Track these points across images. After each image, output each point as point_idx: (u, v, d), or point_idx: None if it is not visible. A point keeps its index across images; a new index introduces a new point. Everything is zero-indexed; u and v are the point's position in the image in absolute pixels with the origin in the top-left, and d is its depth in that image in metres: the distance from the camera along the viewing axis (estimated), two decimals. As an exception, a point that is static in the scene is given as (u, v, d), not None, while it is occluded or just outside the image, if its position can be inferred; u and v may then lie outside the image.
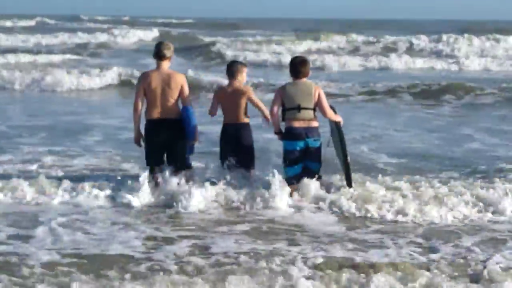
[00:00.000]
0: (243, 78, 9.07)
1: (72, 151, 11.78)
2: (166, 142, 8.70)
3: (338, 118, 8.86)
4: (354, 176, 9.03)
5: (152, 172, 8.79)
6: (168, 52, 8.75)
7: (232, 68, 9.03)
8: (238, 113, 8.89)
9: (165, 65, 8.76)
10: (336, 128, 8.85)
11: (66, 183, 9.03)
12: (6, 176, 9.48)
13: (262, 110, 9.01)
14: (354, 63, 30.71)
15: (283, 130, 8.82)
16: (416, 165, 11.01)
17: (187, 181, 8.71)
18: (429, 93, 20.36)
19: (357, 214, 8.39)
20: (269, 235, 7.57)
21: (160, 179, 8.70)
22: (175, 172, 8.71)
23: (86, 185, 8.97)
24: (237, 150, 8.88)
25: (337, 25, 79.57)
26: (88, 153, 11.59)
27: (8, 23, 68.86)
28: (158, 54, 8.76)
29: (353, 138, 12.89)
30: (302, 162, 8.69)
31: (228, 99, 8.92)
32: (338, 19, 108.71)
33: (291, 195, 8.62)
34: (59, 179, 9.31)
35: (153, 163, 8.85)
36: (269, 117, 8.90)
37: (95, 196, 8.73)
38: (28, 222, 7.81)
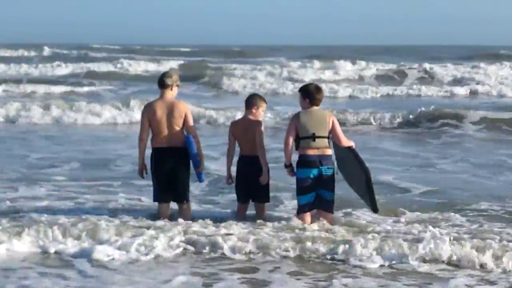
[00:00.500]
0: (260, 113, 9.02)
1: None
2: (172, 170, 8.76)
3: (351, 143, 8.79)
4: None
5: (160, 201, 8.93)
6: (169, 81, 8.82)
7: (252, 101, 8.99)
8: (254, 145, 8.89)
9: (168, 94, 8.83)
10: (351, 153, 8.67)
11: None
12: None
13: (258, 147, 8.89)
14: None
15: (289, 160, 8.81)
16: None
17: (185, 218, 8.82)
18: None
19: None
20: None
21: (166, 211, 8.92)
22: (179, 204, 8.95)
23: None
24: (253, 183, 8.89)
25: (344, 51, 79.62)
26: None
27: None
28: (161, 83, 8.86)
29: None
30: (315, 191, 8.62)
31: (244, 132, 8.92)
32: (340, 46, 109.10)
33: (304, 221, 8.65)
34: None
35: (161, 198, 8.92)
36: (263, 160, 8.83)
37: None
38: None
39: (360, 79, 38.50)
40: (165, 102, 8.80)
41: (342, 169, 8.91)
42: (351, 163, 8.69)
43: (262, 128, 8.92)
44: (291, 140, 8.67)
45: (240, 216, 9.03)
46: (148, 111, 8.81)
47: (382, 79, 38.06)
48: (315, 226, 8.58)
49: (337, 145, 8.85)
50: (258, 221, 8.76)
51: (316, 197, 8.65)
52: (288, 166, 8.80)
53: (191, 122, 8.81)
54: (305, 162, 8.59)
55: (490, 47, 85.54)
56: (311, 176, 8.55)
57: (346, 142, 8.74)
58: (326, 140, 8.61)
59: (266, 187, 8.93)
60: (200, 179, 8.99)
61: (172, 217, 8.91)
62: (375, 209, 8.56)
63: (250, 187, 8.90)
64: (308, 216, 8.74)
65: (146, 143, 8.88)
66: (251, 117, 8.94)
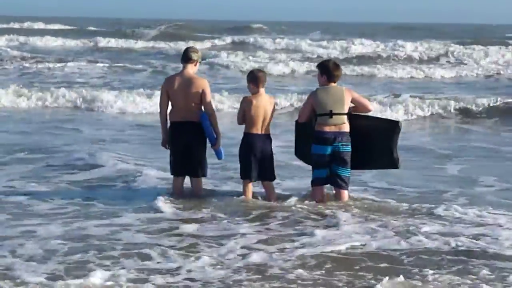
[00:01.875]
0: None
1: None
2: (186, 145, 8.76)
3: (371, 106, 9.05)
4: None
5: (175, 174, 8.97)
6: (194, 56, 8.85)
7: (263, 77, 8.85)
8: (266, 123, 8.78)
9: (189, 68, 8.83)
10: (374, 120, 9.07)
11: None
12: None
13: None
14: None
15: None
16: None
17: (197, 193, 8.94)
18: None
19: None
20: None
21: (180, 184, 8.97)
22: (193, 178, 8.92)
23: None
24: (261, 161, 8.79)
25: (350, 29, 79.00)
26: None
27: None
28: (185, 57, 8.88)
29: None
30: (329, 167, 8.63)
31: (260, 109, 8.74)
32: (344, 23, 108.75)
33: (320, 200, 8.74)
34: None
35: (177, 172, 8.94)
36: None
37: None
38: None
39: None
40: (184, 76, 8.79)
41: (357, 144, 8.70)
42: (372, 128, 8.76)
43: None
44: (304, 117, 8.76)
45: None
46: (167, 84, 8.85)
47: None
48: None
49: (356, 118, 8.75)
50: None
51: (331, 173, 8.65)
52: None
53: (208, 98, 8.74)
54: (321, 139, 8.56)
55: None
56: (326, 153, 8.56)
57: (371, 107, 8.97)
58: (343, 117, 8.56)
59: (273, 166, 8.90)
60: (218, 156, 8.92)
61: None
62: (397, 163, 8.73)
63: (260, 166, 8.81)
64: (320, 190, 8.80)
65: (165, 114, 8.90)
66: (267, 95, 8.87)
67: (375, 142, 8.73)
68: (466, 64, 33.99)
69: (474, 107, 18.52)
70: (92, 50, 39.96)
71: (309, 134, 8.72)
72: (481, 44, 42.43)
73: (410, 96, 19.77)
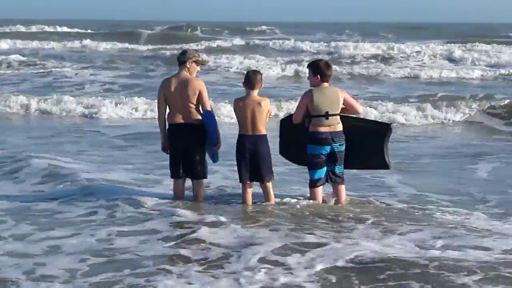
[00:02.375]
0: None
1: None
2: (185, 147, 8.76)
3: (361, 108, 9.13)
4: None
5: (175, 177, 8.99)
6: (182, 57, 8.82)
7: (255, 79, 8.72)
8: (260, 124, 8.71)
9: (183, 70, 8.82)
10: (364, 120, 9.29)
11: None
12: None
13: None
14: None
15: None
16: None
17: (197, 196, 8.97)
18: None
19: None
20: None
21: (181, 187, 8.99)
22: (194, 180, 8.92)
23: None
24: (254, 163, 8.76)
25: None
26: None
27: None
28: (178, 59, 8.92)
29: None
30: (326, 166, 8.75)
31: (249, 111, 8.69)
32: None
33: (316, 198, 8.87)
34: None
35: (174, 175, 8.97)
36: None
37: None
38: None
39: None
40: (180, 78, 8.80)
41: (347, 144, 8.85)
42: (363, 129, 8.86)
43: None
44: (300, 117, 8.72)
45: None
46: (163, 87, 8.87)
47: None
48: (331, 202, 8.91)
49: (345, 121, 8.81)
50: None
51: (329, 174, 8.80)
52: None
53: (206, 99, 8.75)
54: (317, 139, 8.63)
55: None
56: (324, 152, 8.66)
57: (361, 110, 9.06)
58: (338, 117, 8.65)
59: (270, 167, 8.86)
60: (214, 159, 8.97)
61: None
62: (388, 164, 8.92)
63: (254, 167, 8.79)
64: (319, 190, 8.89)
65: (164, 117, 8.92)
66: (256, 96, 8.76)
67: (366, 143, 8.82)
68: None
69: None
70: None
71: (296, 132, 8.80)
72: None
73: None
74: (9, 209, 8.95)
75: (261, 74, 8.89)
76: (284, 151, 9.41)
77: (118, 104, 19.64)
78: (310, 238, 7.56)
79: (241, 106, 8.71)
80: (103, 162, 12.26)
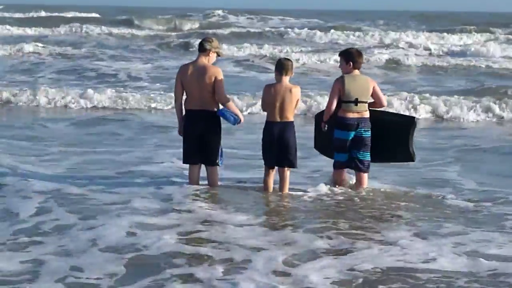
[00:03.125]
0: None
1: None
2: (201, 134, 8.73)
3: (385, 101, 9.28)
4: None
5: (190, 163, 8.93)
6: (207, 45, 8.77)
7: (287, 65, 8.79)
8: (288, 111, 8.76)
9: (203, 58, 8.79)
10: (390, 114, 9.53)
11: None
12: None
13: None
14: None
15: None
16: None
17: (212, 183, 8.91)
18: None
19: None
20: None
21: (196, 173, 8.93)
22: (208, 166, 8.88)
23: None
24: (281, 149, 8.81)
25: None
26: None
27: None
28: (199, 47, 8.90)
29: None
30: (350, 151, 8.94)
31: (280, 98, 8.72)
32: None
33: (340, 183, 9.12)
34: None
35: (188, 160, 8.92)
36: None
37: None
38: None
39: None
40: (197, 65, 8.79)
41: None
42: (388, 122, 9.06)
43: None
44: (334, 104, 8.88)
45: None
46: (181, 73, 8.85)
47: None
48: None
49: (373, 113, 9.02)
50: None
51: (351, 157, 8.96)
52: (325, 122, 9.02)
53: (220, 87, 8.67)
54: (344, 125, 8.84)
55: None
56: (348, 138, 8.87)
57: (385, 102, 9.26)
58: (366, 104, 8.90)
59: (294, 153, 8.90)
60: (221, 157, 8.91)
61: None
62: (413, 156, 9.07)
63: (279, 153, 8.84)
64: (342, 173, 9.20)
65: (180, 102, 8.89)
66: (288, 83, 8.80)
67: (391, 136, 9.00)
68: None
69: None
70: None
71: (329, 126, 8.98)
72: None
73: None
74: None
75: (292, 61, 8.93)
76: (319, 145, 9.57)
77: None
78: (342, 239, 7.08)
79: (271, 93, 8.70)
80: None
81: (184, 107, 8.85)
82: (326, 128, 8.99)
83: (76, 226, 7.39)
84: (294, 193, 8.88)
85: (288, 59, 9.02)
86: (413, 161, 9.21)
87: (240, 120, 8.75)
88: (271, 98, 8.67)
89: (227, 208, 8.17)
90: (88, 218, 7.66)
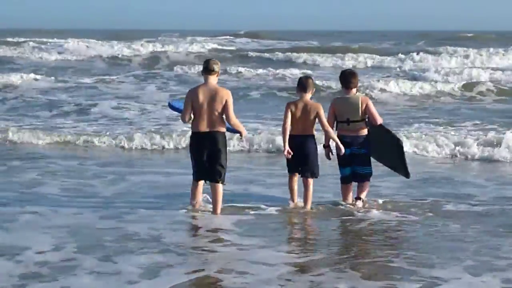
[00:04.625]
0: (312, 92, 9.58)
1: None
2: (209, 154, 9.02)
3: (380, 120, 9.58)
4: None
5: (196, 179, 9.21)
6: (216, 67, 9.10)
7: (307, 83, 9.43)
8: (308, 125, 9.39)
9: (212, 79, 9.08)
10: (383, 128, 9.61)
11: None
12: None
13: (326, 130, 9.44)
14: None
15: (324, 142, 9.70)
16: None
17: (215, 200, 9.09)
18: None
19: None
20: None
21: (199, 190, 9.25)
22: (212, 183, 9.08)
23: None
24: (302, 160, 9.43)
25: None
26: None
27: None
28: (207, 69, 9.09)
29: None
30: (351, 166, 9.59)
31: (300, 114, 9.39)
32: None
33: (345, 198, 9.70)
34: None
35: (197, 178, 9.20)
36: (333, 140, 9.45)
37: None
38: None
39: None
40: (208, 87, 9.04)
41: (375, 149, 9.61)
42: (384, 137, 9.54)
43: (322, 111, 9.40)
44: (331, 124, 9.51)
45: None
46: (192, 95, 9.06)
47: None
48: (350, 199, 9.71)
49: (370, 126, 9.55)
50: None
51: (353, 172, 9.62)
52: (327, 147, 9.62)
53: (230, 109, 8.97)
54: (341, 142, 9.39)
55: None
56: (347, 153, 9.43)
57: (380, 120, 9.54)
58: (359, 123, 9.42)
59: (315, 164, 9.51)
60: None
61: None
62: (407, 175, 9.58)
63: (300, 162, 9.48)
64: (346, 188, 9.77)
65: (188, 121, 9.16)
66: (308, 100, 9.41)
67: (388, 152, 9.65)
68: None
69: None
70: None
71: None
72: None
73: None
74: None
75: (312, 79, 9.64)
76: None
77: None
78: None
79: (292, 109, 9.32)
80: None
81: (192, 129, 9.11)
82: (329, 155, 9.60)
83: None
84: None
85: (308, 77, 9.70)
86: (408, 178, 9.67)
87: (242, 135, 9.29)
88: (294, 114, 9.35)
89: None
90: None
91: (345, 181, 9.76)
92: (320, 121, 9.32)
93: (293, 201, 9.52)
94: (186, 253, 7.50)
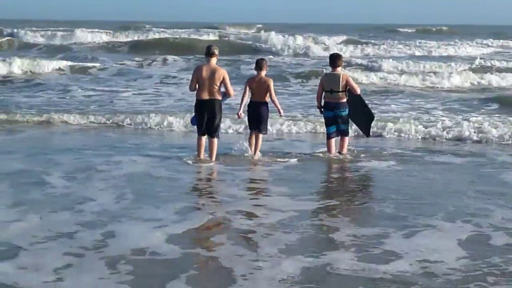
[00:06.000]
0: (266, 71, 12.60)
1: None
2: (209, 116, 11.86)
3: (358, 91, 12.63)
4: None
5: (200, 135, 12.08)
6: (216, 51, 11.93)
7: (261, 64, 12.50)
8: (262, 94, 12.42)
9: (213, 60, 11.89)
10: (359, 98, 12.71)
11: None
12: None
13: (272, 99, 12.45)
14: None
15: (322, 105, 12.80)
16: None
17: (211, 149, 11.96)
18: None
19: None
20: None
21: (203, 143, 12.07)
22: (210, 138, 11.99)
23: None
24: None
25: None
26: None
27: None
28: (208, 53, 11.94)
29: None
30: (335, 125, 12.60)
31: (256, 86, 12.45)
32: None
33: (329, 149, 12.67)
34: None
35: (201, 131, 12.02)
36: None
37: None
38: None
39: None
40: (210, 66, 11.89)
41: (352, 112, 12.62)
42: (359, 104, 12.73)
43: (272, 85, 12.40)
44: (320, 92, 12.72)
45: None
46: (197, 71, 11.94)
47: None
48: (333, 149, 12.67)
49: (350, 95, 12.57)
50: None
51: (337, 129, 12.63)
52: (320, 108, 12.77)
53: (228, 84, 11.83)
54: (327, 107, 12.67)
55: None
56: (331, 115, 12.59)
57: (358, 91, 12.63)
58: (339, 93, 12.47)
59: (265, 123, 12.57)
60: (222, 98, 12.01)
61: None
62: (368, 134, 13.16)
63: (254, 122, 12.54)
64: (332, 142, 12.72)
65: (194, 90, 11.96)
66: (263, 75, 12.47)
67: (361, 119, 13.00)
68: None
69: None
70: None
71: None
72: None
73: None
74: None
75: (265, 60, 12.82)
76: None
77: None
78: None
79: (253, 85, 12.51)
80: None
81: (196, 97, 11.95)
82: (322, 110, 12.69)
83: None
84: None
85: (263, 59, 12.88)
86: (367, 137, 13.29)
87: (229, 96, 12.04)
88: (254, 87, 12.46)
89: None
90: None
91: (329, 136, 12.72)
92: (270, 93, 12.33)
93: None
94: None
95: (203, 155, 12.01)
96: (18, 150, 12.79)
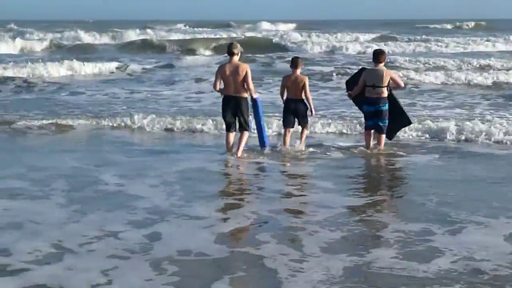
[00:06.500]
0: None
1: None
2: (235, 111, 12.19)
3: (403, 84, 13.07)
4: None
5: (227, 131, 12.41)
6: (236, 50, 12.14)
7: (296, 62, 12.88)
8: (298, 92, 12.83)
9: (235, 58, 12.12)
10: (396, 101, 12.86)
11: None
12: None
13: (307, 97, 12.87)
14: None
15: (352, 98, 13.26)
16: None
17: (240, 142, 12.20)
18: None
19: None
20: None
21: (231, 139, 12.37)
22: (242, 130, 12.27)
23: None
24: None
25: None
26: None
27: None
28: (229, 52, 12.20)
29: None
30: (374, 119, 12.70)
31: (292, 84, 12.84)
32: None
33: (368, 144, 12.82)
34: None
35: (227, 126, 12.36)
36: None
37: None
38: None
39: None
40: (232, 64, 12.14)
41: (390, 109, 12.71)
42: (397, 107, 12.88)
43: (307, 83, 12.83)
44: (361, 87, 12.79)
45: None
46: (221, 69, 12.23)
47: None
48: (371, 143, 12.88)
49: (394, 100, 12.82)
50: None
51: (374, 124, 12.74)
52: (349, 95, 13.22)
53: (249, 79, 12.07)
54: (368, 101, 12.74)
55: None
56: (372, 110, 12.70)
57: (402, 84, 13.04)
58: (382, 88, 12.56)
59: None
60: (263, 145, 12.57)
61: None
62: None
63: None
64: (368, 133, 12.93)
65: (217, 88, 12.29)
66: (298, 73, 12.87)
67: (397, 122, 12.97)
68: None
69: None
70: None
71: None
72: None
73: None
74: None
75: (301, 59, 13.19)
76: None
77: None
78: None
79: (289, 83, 12.91)
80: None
81: (223, 93, 12.23)
82: (351, 97, 13.17)
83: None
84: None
85: (298, 57, 13.21)
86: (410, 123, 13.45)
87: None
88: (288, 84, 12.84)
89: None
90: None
91: (367, 127, 12.90)
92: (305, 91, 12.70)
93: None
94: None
95: (231, 151, 12.29)
96: (74, 149, 13.13)
